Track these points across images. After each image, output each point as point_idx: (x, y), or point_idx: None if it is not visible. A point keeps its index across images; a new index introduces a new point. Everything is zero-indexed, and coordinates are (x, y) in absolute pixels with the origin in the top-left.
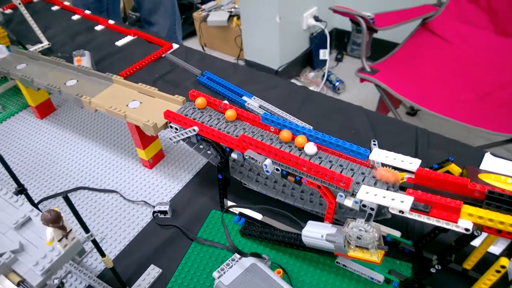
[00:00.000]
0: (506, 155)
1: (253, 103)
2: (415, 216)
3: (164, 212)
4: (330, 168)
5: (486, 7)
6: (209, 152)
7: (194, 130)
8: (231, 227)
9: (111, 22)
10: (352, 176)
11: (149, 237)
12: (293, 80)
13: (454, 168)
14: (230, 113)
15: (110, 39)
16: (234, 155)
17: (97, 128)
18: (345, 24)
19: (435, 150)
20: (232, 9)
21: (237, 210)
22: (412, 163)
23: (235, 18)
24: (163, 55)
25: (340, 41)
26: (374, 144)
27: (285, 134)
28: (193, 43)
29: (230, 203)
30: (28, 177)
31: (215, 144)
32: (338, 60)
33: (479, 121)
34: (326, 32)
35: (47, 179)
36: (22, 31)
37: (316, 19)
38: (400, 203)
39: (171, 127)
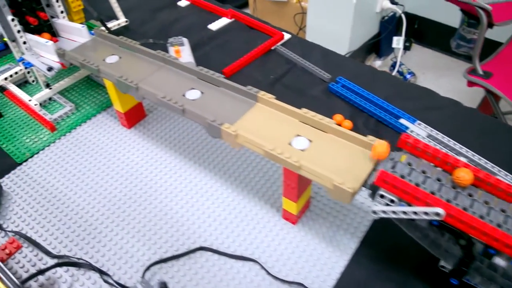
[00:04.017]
0: None
1: (418, 130)
2: None
3: None
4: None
5: None
6: (435, 241)
7: (436, 213)
8: None
9: None
10: None
11: None
12: None
13: None
14: (465, 175)
15: (201, 20)
16: (499, 261)
17: (212, 152)
18: (417, 8)
19: None
20: None
21: None
22: None
23: None
24: (273, 47)
25: (409, 27)
26: None
27: None
28: None
29: None
30: (114, 221)
31: (458, 234)
32: (406, 48)
33: None
34: (403, 17)
35: (147, 225)
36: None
37: (392, 1)
38: None
39: (381, 196)
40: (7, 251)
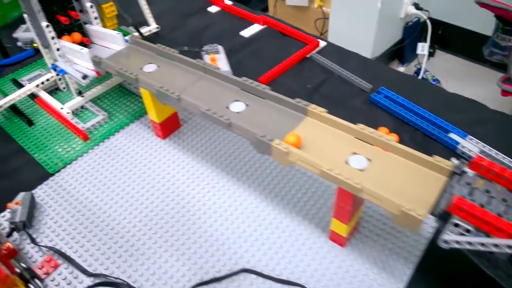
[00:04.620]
0: None
1: (470, 146)
2: None
3: None
4: None
5: None
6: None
7: None
8: None
9: (228, 2)
10: None
11: None
12: None
13: None
14: None
15: (232, 27)
16: None
17: (251, 165)
18: (442, 14)
19: None
20: None
21: None
22: None
23: None
24: (308, 55)
25: (433, 33)
26: None
27: None
28: None
29: None
30: (151, 238)
31: None
32: (430, 54)
33: None
34: (428, 22)
35: (186, 243)
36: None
37: (417, 6)
38: None
39: (456, 225)
40: (44, 269)
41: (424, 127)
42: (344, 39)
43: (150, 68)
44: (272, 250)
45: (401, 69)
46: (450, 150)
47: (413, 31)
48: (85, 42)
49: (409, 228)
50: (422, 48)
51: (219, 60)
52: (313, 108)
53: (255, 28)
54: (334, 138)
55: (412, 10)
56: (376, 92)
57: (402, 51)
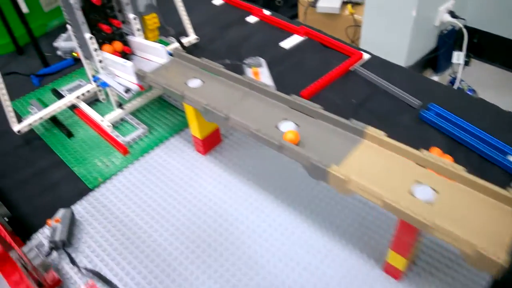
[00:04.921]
0: None
1: None
2: None
3: None
4: None
5: None
6: None
7: None
8: None
9: (266, 12)
10: None
11: None
12: None
13: None
14: None
15: (272, 38)
16: None
17: (296, 185)
18: (479, 22)
19: None
20: None
21: None
22: None
23: (349, 6)
24: (351, 69)
25: (469, 41)
26: None
27: None
28: None
29: None
30: (188, 258)
31: None
32: (465, 63)
33: None
34: (464, 31)
35: (224, 265)
36: None
37: (452, 14)
38: None
39: None
40: None
41: (480, 148)
42: (377, 48)
43: (194, 83)
44: (323, 282)
45: (435, 78)
46: (509, 174)
47: (448, 40)
48: (126, 51)
49: (485, 270)
50: (458, 57)
51: (262, 74)
52: (371, 131)
53: (295, 39)
54: (395, 165)
55: (448, 18)
56: (426, 108)
57: (436, 59)
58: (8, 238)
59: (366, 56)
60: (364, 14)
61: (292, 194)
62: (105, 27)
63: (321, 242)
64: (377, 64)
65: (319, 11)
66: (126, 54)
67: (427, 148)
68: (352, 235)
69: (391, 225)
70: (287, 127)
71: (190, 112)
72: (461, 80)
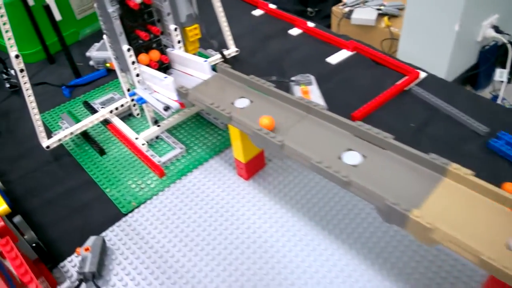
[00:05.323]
0: None
1: None
2: None
3: None
4: None
5: None
6: None
7: None
8: None
9: (310, 24)
10: None
11: None
12: None
13: None
14: None
15: (316, 52)
16: None
17: (344, 215)
18: None
19: None
20: (382, 7)
21: None
22: None
23: (385, 18)
24: (406, 88)
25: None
26: None
27: None
28: None
29: None
30: None
31: None
32: (508, 81)
33: None
34: (509, 47)
35: None
36: None
37: (497, 29)
38: None
39: None
40: None
41: None
42: (415, 63)
43: (242, 103)
44: None
45: None
46: None
47: (490, 56)
48: (164, 60)
49: None
50: (501, 75)
51: (312, 93)
52: (455, 168)
53: (343, 55)
54: (486, 211)
55: (492, 33)
56: (495, 137)
57: (476, 76)
58: (30, 274)
59: (422, 75)
60: (403, 27)
61: (340, 225)
62: (142, 33)
63: (374, 282)
64: (435, 83)
65: (354, 22)
66: (163, 63)
67: (498, 183)
68: (410, 276)
69: (462, 270)
70: (353, 159)
71: (234, 134)
72: (503, 99)
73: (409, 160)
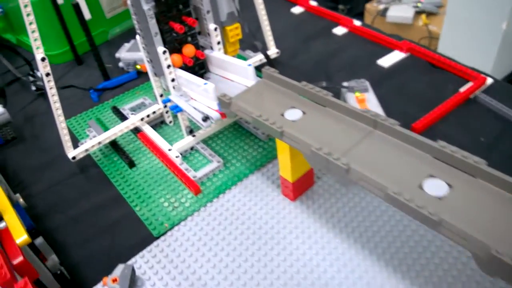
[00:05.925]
0: None
1: None
2: None
3: None
4: None
5: None
6: None
7: None
8: None
9: (357, 23)
10: None
11: None
12: None
13: None
14: None
15: (366, 53)
16: None
17: (394, 238)
18: None
19: None
20: (419, 4)
21: None
22: None
23: (423, 16)
24: (472, 96)
25: None
26: None
27: None
28: None
29: None
30: None
31: None
32: None
33: None
34: None
35: None
36: None
37: None
38: None
39: None
40: None
41: None
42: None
43: (293, 114)
44: None
45: None
46: None
47: None
48: (199, 56)
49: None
50: None
51: (369, 101)
52: None
53: (396, 57)
54: None
55: None
56: None
57: None
58: None
59: (489, 81)
60: (444, 25)
61: (388, 249)
62: (177, 26)
63: None
64: (504, 90)
65: (389, 20)
66: (200, 60)
67: None
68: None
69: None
70: (437, 190)
71: (282, 150)
72: None
73: (506, 191)
